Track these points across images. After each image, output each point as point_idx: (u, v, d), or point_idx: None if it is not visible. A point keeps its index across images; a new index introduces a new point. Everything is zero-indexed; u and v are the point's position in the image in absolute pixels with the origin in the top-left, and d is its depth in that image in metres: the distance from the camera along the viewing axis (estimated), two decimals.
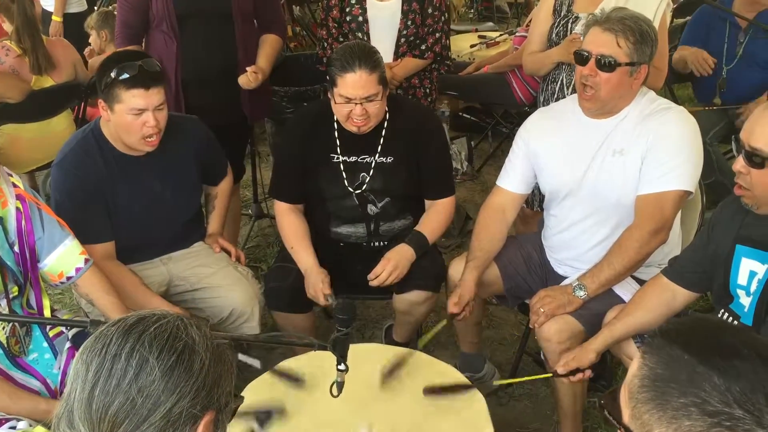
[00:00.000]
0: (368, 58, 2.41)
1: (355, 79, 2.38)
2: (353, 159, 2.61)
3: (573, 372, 2.16)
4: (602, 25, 2.25)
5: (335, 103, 2.47)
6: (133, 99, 2.24)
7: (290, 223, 2.66)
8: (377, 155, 2.60)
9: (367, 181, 2.61)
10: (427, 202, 2.70)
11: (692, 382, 0.96)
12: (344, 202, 2.63)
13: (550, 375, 2.21)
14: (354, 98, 2.41)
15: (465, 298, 2.42)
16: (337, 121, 2.59)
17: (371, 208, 2.64)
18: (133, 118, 2.27)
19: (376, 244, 2.70)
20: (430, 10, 3.21)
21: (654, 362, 1.01)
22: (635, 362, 1.04)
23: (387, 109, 2.58)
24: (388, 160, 2.61)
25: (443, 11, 3.31)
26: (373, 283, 2.51)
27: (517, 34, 4.69)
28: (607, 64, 2.22)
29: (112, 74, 2.24)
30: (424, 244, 2.58)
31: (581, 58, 2.28)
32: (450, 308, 2.43)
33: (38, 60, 3.53)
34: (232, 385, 1.14)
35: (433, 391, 2.06)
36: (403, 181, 2.63)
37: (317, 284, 2.48)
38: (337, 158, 2.61)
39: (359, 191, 2.62)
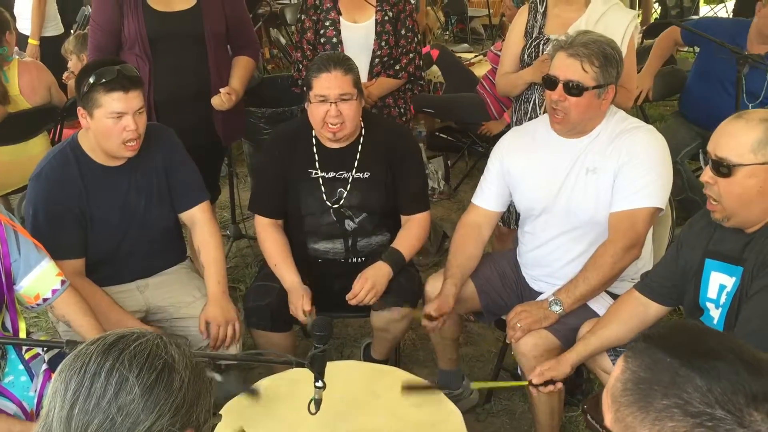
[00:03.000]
0: (343, 61, 2.55)
1: (330, 77, 2.49)
2: (331, 174, 2.65)
3: (547, 383, 2.18)
4: (567, 51, 2.30)
5: (311, 105, 2.54)
6: (112, 102, 2.25)
7: (272, 239, 2.67)
8: (354, 170, 2.64)
9: (344, 196, 2.65)
10: (403, 218, 2.73)
11: (674, 383, 0.97)
12: (322, 219, 2.66)
13: (525, 383, 2.23)
14: (329, 96, 2.48)
15: (443, 309, 2.43)
16: (316, 137, 2.64)
17: (349, 224, 2.67)
18: (114, 122, 2.27)
19: (354, 260, 2.72)
20: (403, 32, 3.26)
21: (636, 366, 1.02)
22: (618, 367, 1.05)
23: (363, 125, 2.63)
24: (365, 176, 2.65)
25: (416, 32, 3.36)
26: (352, 302, 2.53)
27: (492, 50, 4.78)
28: (574, 88, 2.28)
29: (91, 80, 2.24)
30: (400, 261, 2.61)
31: (549, 83, 2.33)
32: (427, 309, 2.45)
33: None
34: (210, 403, 1.14)
35: (410, 388, 2.09)
36: (380, 197, 2.66)
37: (298, 300, 2.50)
38: (316, 173, 2.65)
39: (337, 206, 2.64)
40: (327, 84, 2.48)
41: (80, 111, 2.31)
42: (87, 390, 1.03)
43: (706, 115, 3.59)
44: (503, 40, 4.70)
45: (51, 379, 2.03)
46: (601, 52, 2.28)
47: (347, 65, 2.54)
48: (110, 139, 2.31)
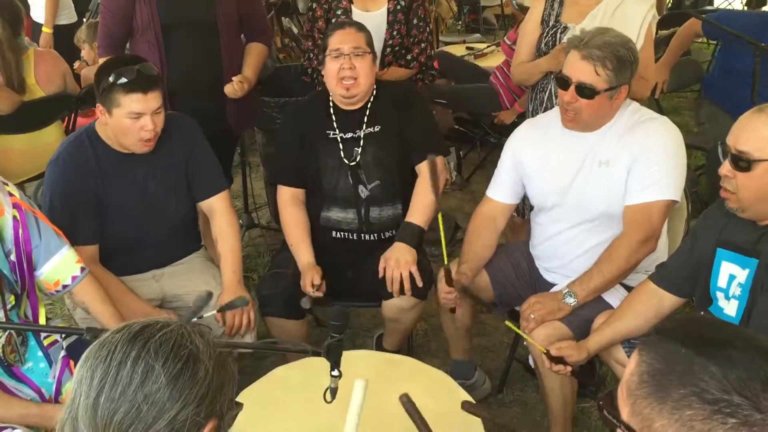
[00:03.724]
0: (356, 23, 2.74)
1: (344, 33, 2.64)
2: (348, 135, 2.71)
3: (559, 361, 2.18)
4: (581, 51, 2.28)
5: (326, 62, 2.63)
6: (131, 103, 2.26)
7: (293, 216, 2.71)
8: (365, 126, 2.70)
9: (359, 153, 2.68)
10: (417, 171, 2.72)
11: (690, 372, 0.98)
12: (339, 182, 2.69)
13: (544, 351, 2.21)
14: (342, 49, 2.59)
15: (463, 279, 2.43)
16: (332, 101, 2.71)
17: (362, 190, 2.69)
18: (132, 122, 2.29)
19: (366, 237, 2.73)
20: (415, 21, 3.26)
21: (651, 358, 1.03)
22: (632, 360, 1.06)
23: (375, 87, 2.72)
24: (376, 129, 2.70)
25: (428, 22, 3.36)
26: (395, 287, 2.51)
27: (506, 40, 4.74)
28: (587, 91, 2.28)
29: (110, 79, 2.25)
30: (415, 234, 2.61)
31: (562, 83, 2.33)
32: (441, 292, 2.46)
33: (13, 80, 3.51)
34: (233, 393, 1.14)
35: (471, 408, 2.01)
36: (392, 149, 2.69)
37: (309, 276, 2.53)
38: (334, 134, 2.71)
39: (353, 164, 2.68)
40: (341, 38, 2.60)
41: (99, 107, 2.33)
42: (113, 378, 1.04)
43: (732, 108, 3.59)
44: (515, 29, 4.70)
45: (69, 366, 2.06)
46: (614, 55, 2.25)
47: (360, 25, 2.69)
48: (127, 136, 2.33)
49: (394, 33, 3.23)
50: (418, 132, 2.72)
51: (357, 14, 3.23)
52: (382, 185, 2.70)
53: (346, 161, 2.69)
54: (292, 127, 2.79)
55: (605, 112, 2.35)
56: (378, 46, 3.24)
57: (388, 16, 3.23)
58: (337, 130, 2.70)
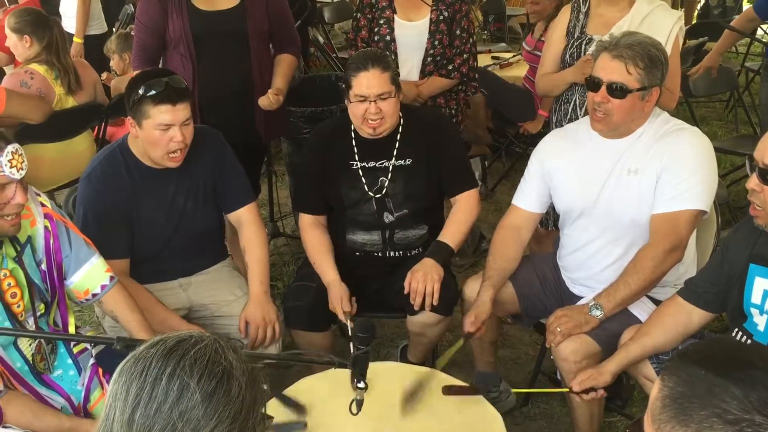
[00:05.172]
0: (380, 59, 2.57)
1: (369, 76, 2.52)
2: (371, 164, 2.68)
3: (587, 390, 2.17)
4: (611, 52, 2.27)
5: (350, 103, 2.58)
6: (161, 115, 2.29)
7: (313, 236, 2.71)
8: (394, 158, 2.67)
9: (386, 185, 2.67)
10: (451, 201, 2.74)
11: (711, 394, 0.99)
12: (363, 209, 2.69)
13: (567, 390, 2.22)
14: (368, 95, 2.52)
15: (481, 317, 2.44)
16: (354, 131, 2.68)
17: (387, 216, 2.69)
18: (161, 133, 2.32)
19: (391, 254, 2.73)
20: (458, 32, 3.27)
21: (673, 382, 1.04)
22: (655, 386, 1.07)
23: (401, 114, 2.66)
24: (407, 163, 2.67)
25: (472, 34, 3.36)
26: (418, 301, 2.51)
27: (526, 47, 4.73)
28: (618, 90, 2.26)
29: (140, 91, 2.29)
30: (446, 252, 2.61)
31: (592, 85, 2.31)
32: (466, 327, 2.44)
33: (70, 81, 3.61)
34: (265, 408, 1.15)
35: (450, 390, 2.11)
36: (422, 183, 2.68)
37: (337, 299, 2.52)
38: (356, 165, 2.68)
39: (379, 195, 2.67)
40: (366, 83, 2.52)
41: (129, 120, 2.36)
42: (148, 395, 1.04)
43: None
44: (531, 34, 4.70)
45: (98, 373, 2.09)
46: (646, 54, 2.25)
47: (384, 63, 2.57)
48: (157, 148, 2.36)
49: (436, 43, 3.25)
50: (451, 166, 2.71)
51: (399, 24, 3.26)
52: (410, 213, 2.70)
53: (371, 193, 2.67)
54: (313, 157, 2.77)
55: (636, 115, 2.32)
56: (419, 55, 3.28)
57: (430, 25, 3.24)
58: (359, 161, 2.68)
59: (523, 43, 4.85)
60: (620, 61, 2.25)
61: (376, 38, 3.27)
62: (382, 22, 3.25)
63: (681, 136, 2.33)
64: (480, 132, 4.74)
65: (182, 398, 1.04)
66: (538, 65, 4.42)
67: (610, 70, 2.27)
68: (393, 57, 3.21)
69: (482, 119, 4.79)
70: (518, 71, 5.00)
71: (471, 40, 3.33)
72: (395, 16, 3.25)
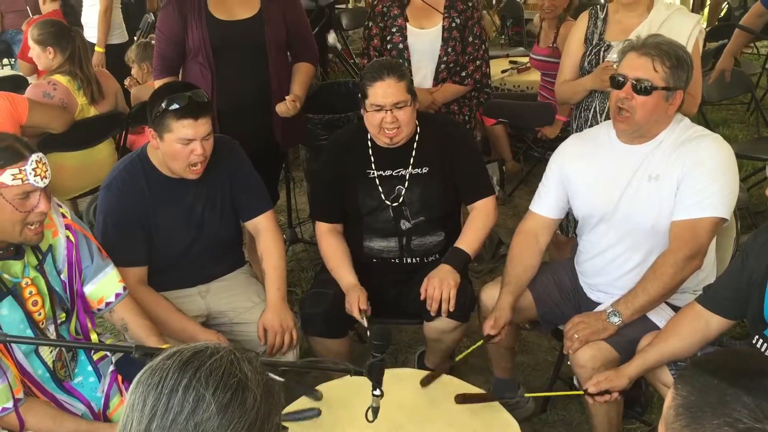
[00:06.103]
0: (396, 68, 2.58)
1: (384, 86, 2.53)
2: (388, 173, 2.69)
3: (602, 393, 2.16)
4: (639, 50, 2.27)
5: (366, 113, 2.58)
6: (182, 129, 2.31)
7: (331, 243, 2.73)
8: (411, 167, 2.68)
9: (403, 193, 2.68)
10: (469, 209, 2.75)
11: (723, 403, 1.00)
12: (380, 216, 2.70)
13: (581, 393, 2.21)
14: (384, 105, 2.53)
15: (501, 321, 2.44)
16: (371, 139, 2.69)
17: (404, 223, 2.70)
18: (182, 147, 2.34)
19: (408, 260, 2.74)
20: (470, 39, 3.28)
21: (687, 391, 1.05)
22: (669, 396, 1.09)
23: (417, 122, 2.67)
24: (423, 171, 2.68)
25: (484, 40, 3.37)
26: (434, 307, 2.51)
27: (533, 55, 4.72)
28: (643, 89, 2.24)
29: (163, 105, 2.31)
30: (463, 259, 2.62)
31: (617, 83, 2.30)
32: (486, 330, 2.44)
33: (93, 90, 3.67)
34: (279, 419, 1.16)
35: (465, 399, 2.11)
36: (439, 192, 2.69)
37: (354, 299, 2.53)
38: (372, 173, 2.70)
39: (396, 204, 2.68)
40: (382, 93, 2.53)
41: (151, 132, 2.39)
42: (164, 406, 1.06)
43: None
44: (537, 43, 4.69)
45: (117, 380, 2.11)
46: (674, 54, 2.24)
47: (400, 72, 2.57)
48: (177, 161, 2.38)
49: (449, 50, 3.26)
50: (466, 174, 2.72)
51: (412, 31, 3.27)
52: (426, 220, 2.71)
53: (387, 201, 2.69)
54: (329, 166, 2.79)
55: (659, 116, 2.30)
56: (432, 62, 3.29)
57: (443, 33, 3.26)
58: (375, 169, 2.70)
59: (531, 53, 4.84)
60: (647, 57, 2.24)
61: (389, 46, 3.29)
62: (394, 30, 3.27)
63: (703, 142, 2.30)
64: (506, 156, 4.85)
65: (198, 409, 1.05)
66: (546, 72, 4.45)
67: (637, 67, 2.26)
68: (407, 65, 3.22)
69: (506, 148, 4.85)
70: (536, 75, 5.00)
71: (483, 46, 3.34)
72: (407, 24, 3.26)
